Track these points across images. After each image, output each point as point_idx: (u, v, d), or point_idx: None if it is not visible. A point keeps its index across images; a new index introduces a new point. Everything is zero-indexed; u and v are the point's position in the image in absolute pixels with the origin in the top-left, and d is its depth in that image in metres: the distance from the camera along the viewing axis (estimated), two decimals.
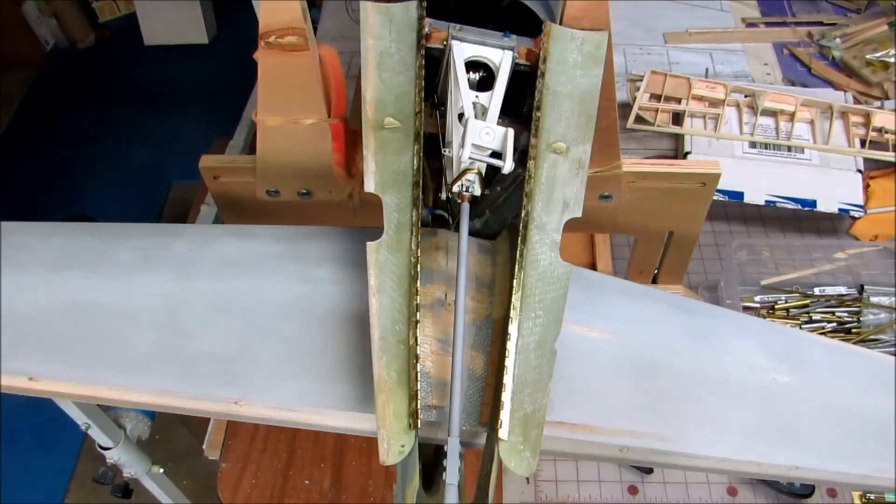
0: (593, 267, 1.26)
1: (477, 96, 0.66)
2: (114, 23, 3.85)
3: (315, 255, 0.67)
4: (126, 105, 3.36)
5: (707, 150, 1.33)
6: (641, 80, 1.38)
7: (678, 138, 1.37)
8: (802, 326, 1.20)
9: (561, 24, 0.72)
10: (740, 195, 1.29)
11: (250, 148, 1.51)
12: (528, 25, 0.73)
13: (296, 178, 0.85)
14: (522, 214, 0.62)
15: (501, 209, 0.69)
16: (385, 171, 0.63)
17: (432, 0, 0.71)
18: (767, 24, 1.68)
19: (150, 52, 3.63)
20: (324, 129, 0.80)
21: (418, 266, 0.59)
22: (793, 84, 1.54)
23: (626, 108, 1.37)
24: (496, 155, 0.60)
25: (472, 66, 0.70)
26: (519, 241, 0.60)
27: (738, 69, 1.56)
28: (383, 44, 0.69)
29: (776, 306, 1.22)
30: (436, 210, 0.70)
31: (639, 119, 1.35)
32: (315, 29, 1.46)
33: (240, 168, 0.89)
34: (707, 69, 1.53)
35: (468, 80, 0.68)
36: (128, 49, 3.66)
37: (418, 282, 0.59)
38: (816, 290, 1.23)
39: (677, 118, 1.36)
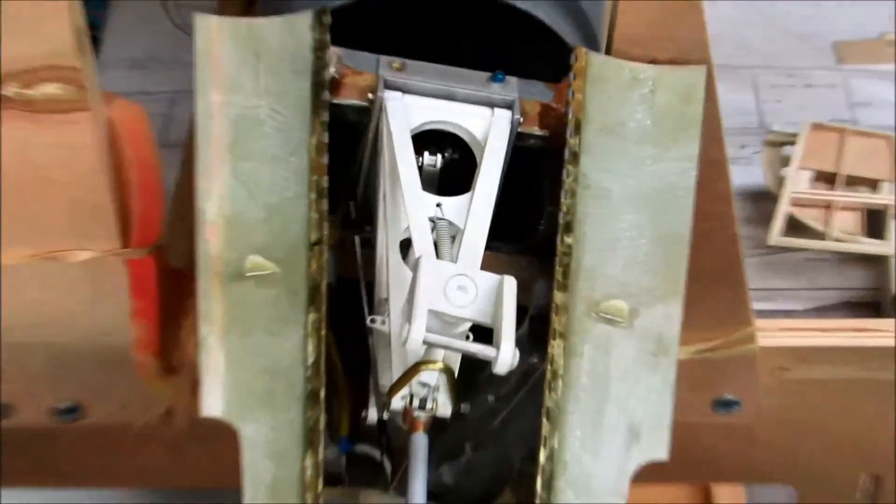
0: None
1: (439, 205, 0.49)
2: None
3: None
4: None
5: None
6: (793, 143, 1.00)
7: (882, 263, 0.98)
8: None
9: (609, 52, 0.52)
10: None
11: None
12: (540, 58, 0.55)
13: (52, 378, 0.60)
14: (541, 457, 0.44)
15: (497, 443, 0.51)
16: (246, 370, 0.46)
17: (349, 10, 0.53)
18: None
19: None
20: (112, 271, 0.55)
21: None
22: None
23: (763, 202, 0.95)
24: (482, 333, 0.43)
25: (427, 139, 0.51)
26: None
27: None
28: (242, 101, 0.49)
29: None
30: (355, 446, 0.52)
31: (793, 226, 0.94)
32: (97, 52, 0.91)
33: None
34: None
35: (421, 170, 0.50)
36: None
37: None
38: None
39: (875, 221, 1.01)
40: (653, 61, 0.50)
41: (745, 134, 0.92)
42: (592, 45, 0.55)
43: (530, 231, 0.54)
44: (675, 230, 0.47)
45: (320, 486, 0.42)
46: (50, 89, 0.50)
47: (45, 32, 0.49)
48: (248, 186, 0.47)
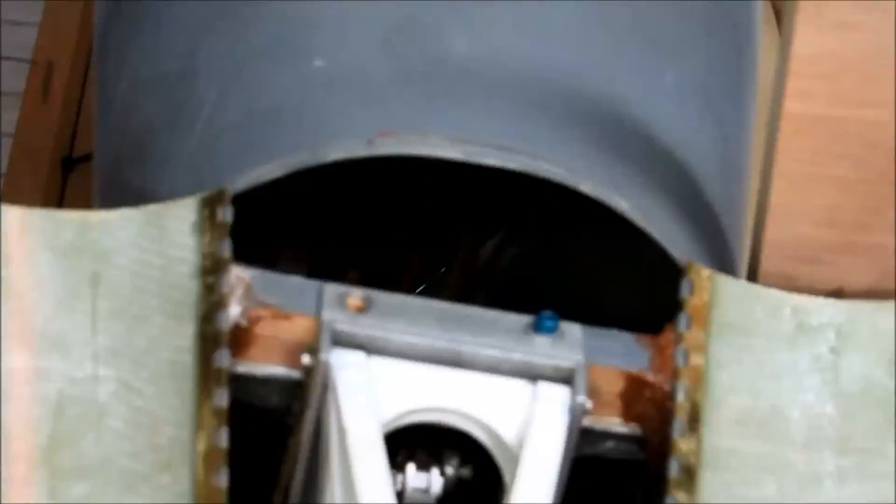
0: None
1: None
2: None
3: None
4: None
5: None
6: None
7: None
8: None
9: (755, 274, 0.34)
10: None
11: None
12: (624, 284, 0.41)
13: None
14: None
15: None
16: None
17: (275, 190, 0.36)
18: None
19: None
20: None
21: None
22: None
23: None
24: None
25: (414, 442, 0.33)
26: None
27: None
28: (67, 367, 0.32)
29: None
30: None
31: None
32: None
33: None
34: None
35: (401, 501, 0.32)
36: None
37: None
38: None
39: None
40: (837, 292, 0.31)
41: None
42: (722, 260, 0.34)
43: None
44: None
45: None
46: None
47: None
48: None
